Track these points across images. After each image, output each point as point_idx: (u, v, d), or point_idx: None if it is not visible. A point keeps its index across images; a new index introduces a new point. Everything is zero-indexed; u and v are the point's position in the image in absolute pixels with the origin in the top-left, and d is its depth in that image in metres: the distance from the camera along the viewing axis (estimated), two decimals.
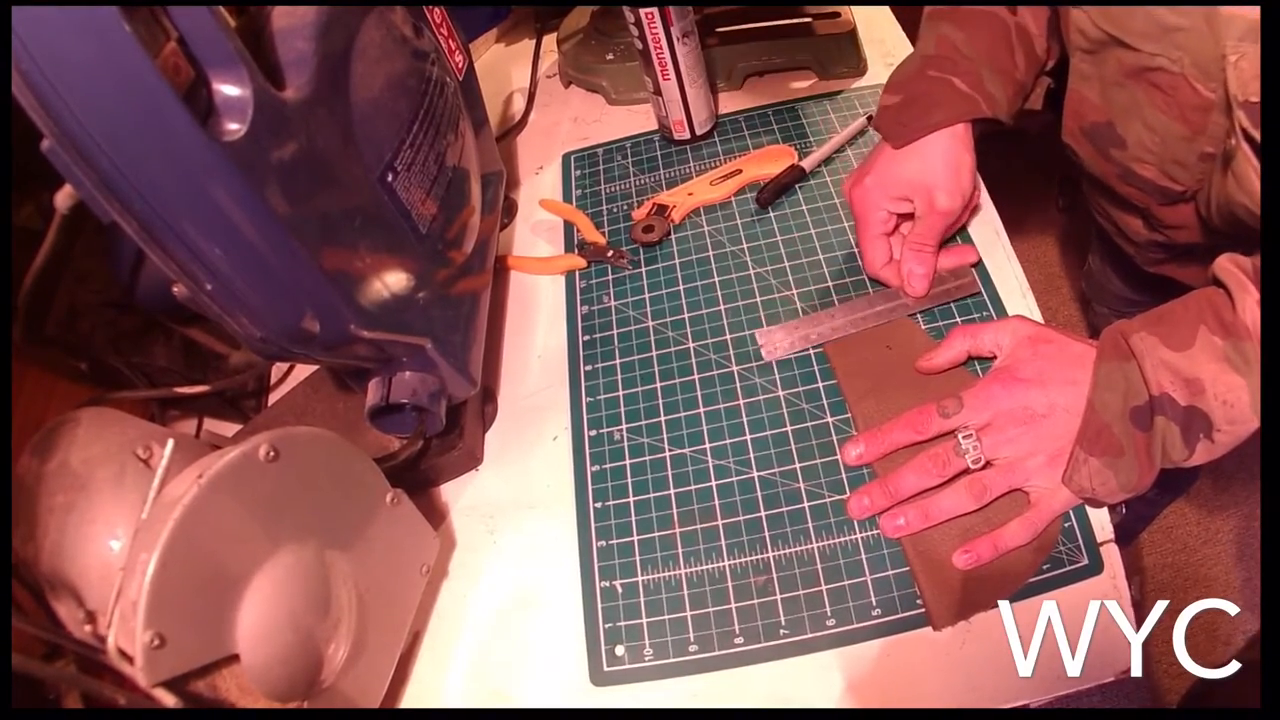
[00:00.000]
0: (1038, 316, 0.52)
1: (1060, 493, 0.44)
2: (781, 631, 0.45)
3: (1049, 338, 0.47)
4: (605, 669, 0.46)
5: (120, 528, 0.36)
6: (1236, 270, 0.42)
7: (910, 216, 0.56)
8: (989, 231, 0.60)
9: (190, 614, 0.34)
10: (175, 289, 0.35)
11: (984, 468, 0.45)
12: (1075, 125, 0.56)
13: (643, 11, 0.63)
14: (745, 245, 0.63)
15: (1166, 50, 0.45)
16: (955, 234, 0.59)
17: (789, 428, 0.52)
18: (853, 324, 0.55)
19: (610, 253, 0.65)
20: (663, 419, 0.55)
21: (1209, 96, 0.44)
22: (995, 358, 0.49)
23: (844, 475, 0.49)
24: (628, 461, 0.53)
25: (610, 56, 0.79)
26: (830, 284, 0.59)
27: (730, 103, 0.76)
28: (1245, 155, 0.42)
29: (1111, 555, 0.44)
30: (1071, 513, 0.45)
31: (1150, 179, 0.52)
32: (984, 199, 0.62)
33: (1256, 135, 0.40)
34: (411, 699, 0.48)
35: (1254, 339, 0.40)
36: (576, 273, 0.66)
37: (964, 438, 0.45)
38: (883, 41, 0.78)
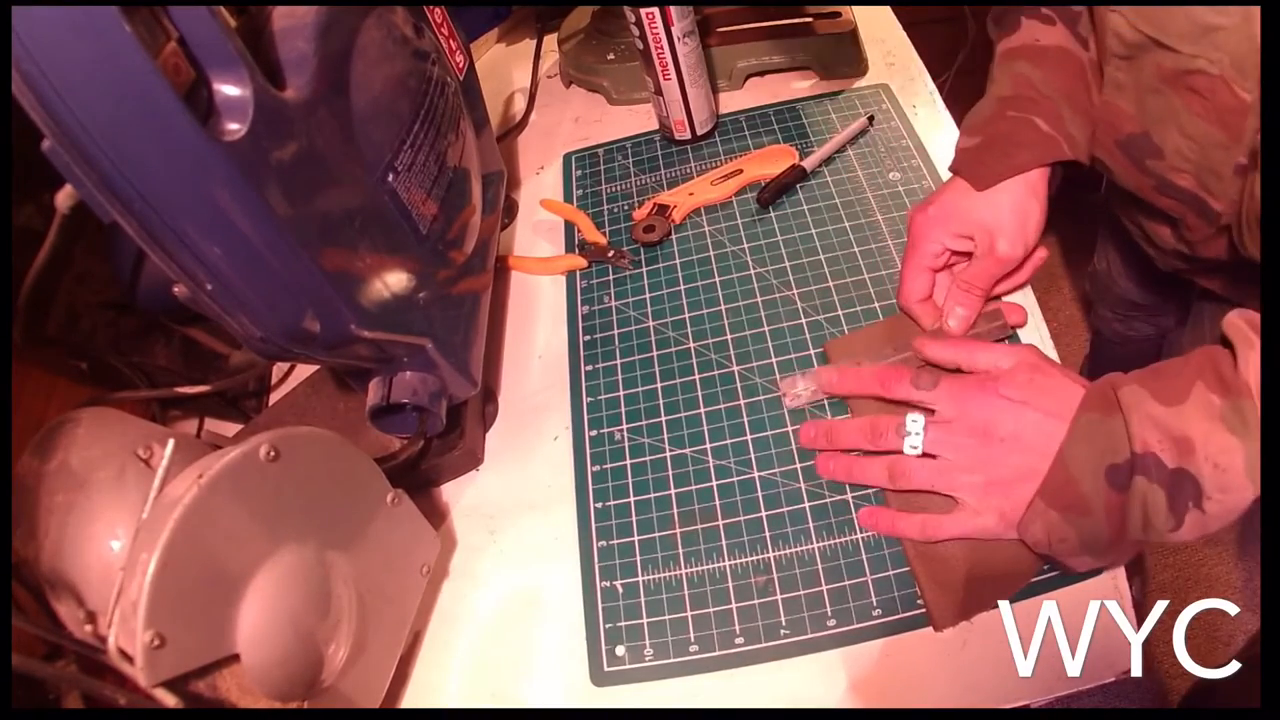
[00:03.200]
0: (1050, 347, 0.51)
1: (984, 519, 0.43)
2: (782, 632, 0.45)
3: (1049, 371, 0.45)
4: (606, 669, 0.46)
5: (121, 528, 0.36)
6: (1245, 326, 0.39)
7: (965, 255, 0.53)
8: None
9: (190, 614, 0.34)
10: (176, 289, 0.35)
11: (920, 456, 0.45)
12: (1110, 138, 0.54)
13: (643, 11, 0.63)
14: (746, 245, 0.63)
15: (1206, 51, 0.44)
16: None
17: (789, 428, 0.52)
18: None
19: (611, 253, 0.65)
20: (663, 419, 0.55)
21: (1245, 99, 0.43)
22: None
23: None
24: (628, 461, 0.53)
25: (611, 56, 0.79)
26: (831, 284, 0.59)
27: (731, 102, 0.76)
28: None
29: None
30: None
31: (1188, 189, 0.51)
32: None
33: None
34: (411, 699, 0.48)
35: (1254, 397, 0.36)
36: (577, 273, 0.66)
37: (911, 421, 0.45)
38: (883, 41, 0.78)
